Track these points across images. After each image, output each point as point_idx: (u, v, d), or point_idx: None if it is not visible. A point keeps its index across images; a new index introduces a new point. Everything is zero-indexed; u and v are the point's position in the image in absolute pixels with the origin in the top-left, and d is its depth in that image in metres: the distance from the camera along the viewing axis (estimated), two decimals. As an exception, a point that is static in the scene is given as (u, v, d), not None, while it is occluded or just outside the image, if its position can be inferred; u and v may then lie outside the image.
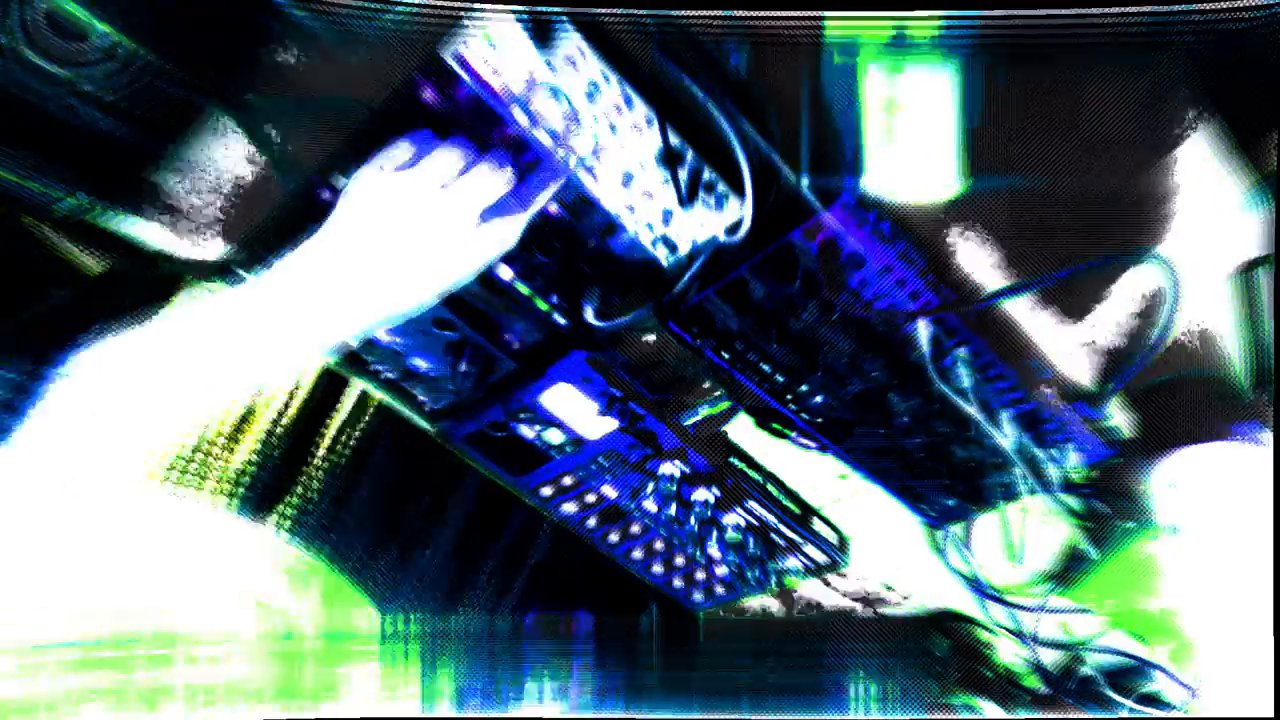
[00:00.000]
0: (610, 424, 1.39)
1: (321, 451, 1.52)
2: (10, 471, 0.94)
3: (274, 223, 1.17)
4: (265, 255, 1.19)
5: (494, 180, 1.02)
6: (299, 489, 1.50)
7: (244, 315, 1.00)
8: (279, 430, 1.47)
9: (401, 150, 1.01)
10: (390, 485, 1.59)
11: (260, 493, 1.46)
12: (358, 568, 1.56)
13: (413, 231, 1.01)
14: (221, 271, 1.22)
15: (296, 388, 1.50)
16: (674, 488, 1.46)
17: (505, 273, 1.22)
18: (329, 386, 1.52)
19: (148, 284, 1.23)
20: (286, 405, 1.48)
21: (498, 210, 1.03)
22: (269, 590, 1.49)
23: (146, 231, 1.22)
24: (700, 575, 1.65)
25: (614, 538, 1.59)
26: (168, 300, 1.22)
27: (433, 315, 1.26)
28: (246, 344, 1.00)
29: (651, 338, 1.35)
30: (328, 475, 1.53)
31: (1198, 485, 1.44)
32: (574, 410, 1.37)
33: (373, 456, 1.56)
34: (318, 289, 1.00)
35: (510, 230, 1.05)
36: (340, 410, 1.54)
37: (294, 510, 1.50)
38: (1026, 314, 1.31)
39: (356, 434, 1.55)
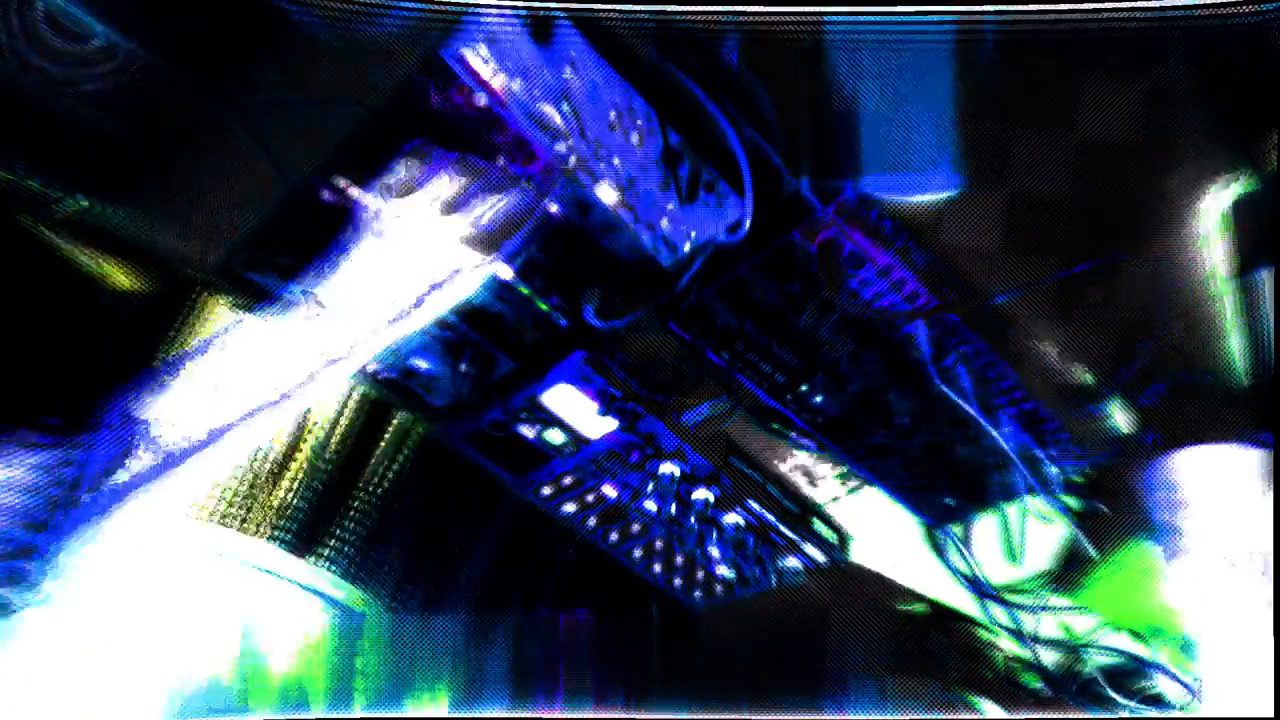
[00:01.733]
0: (610, 424, 1.39)
1: (361, 482, 1.54)
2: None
3: (274, 223, 1.17)
4: (267, 256, 1.20)
5: (498, 189, 1.02)
6: (339, 519, 1.52)
7: (281, 347, 1.00)
8: (320, 464, 1.49)
9: (405, 170, 1.01)
10: (423, 504, 1.61)
11: (301, 526, 1.47)
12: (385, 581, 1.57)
13: (427, 252, 1.00)
14: (223, 273, 1.22)
15: (337, 420, 1.51)
16: (674, 488, 1.46)
17: (505, 273, 1.22)
18: (367, 419, 1.54)
19: (162, 303, 1.24)
20: (327, 438, 1.50)
21: (503, 217, 1.03)
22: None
23: (146, 233, 1.22)
24: (700, 575, 1.65)
25: (614, 537, 1.59)
26: (184, 316, 1.23)
27: (433, 315, 1.26)
28: (287, 376, 1.00)
29: (651, 338, 1.34)
30: (367, 501, 1.54)
31: (1198, 486, 1.44)
32: (574, 410, 1.37)
33: (410, 484, 1.58)
34: (347, 318, 1.00)
35: (516, 235, 1.05)
36: (380, 442, 1.55)
37: (334, 540, 1.51)
38: (1026, 314, 1.30)
39: (395, 465, 1.57)
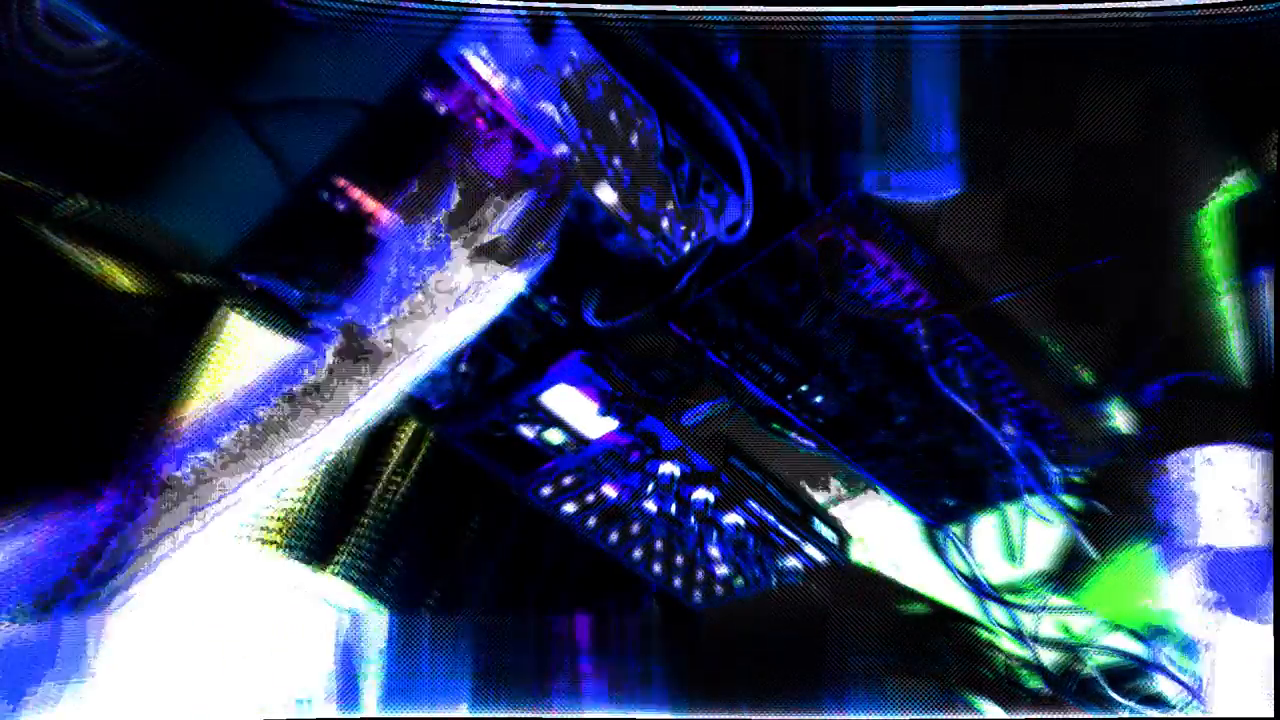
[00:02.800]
0: (610, 424, 1.39)
1: (375, 493, 1.53)
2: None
3: (275, 224, 1.17)
4: (267, 257, 1.20)
5: (508, 197, 1.01)
6: (355, 531, 1.52)
7: (314, 379, 1.00)
8: (331, 473, 1.48)
9: (419, 195, 1.01)
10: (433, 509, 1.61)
11: (318, 539, 1.47)
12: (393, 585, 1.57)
13: (457, 281, 1.00)
14: (222, 273, 1.22)
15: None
16: (674, 488, 1.46)
17: (515, 275, 1.22)
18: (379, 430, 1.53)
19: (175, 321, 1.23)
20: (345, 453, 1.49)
21: (521, 229, 1.03)
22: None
23: (146, 234, 1.22)
24: (700, 575, 1.65)
25: (614, 538, 1.59)
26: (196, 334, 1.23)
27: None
28: (324, 410, 0.99)
29: (651, 338, 1.35)
30: (381, 514, 1.53)
31: (1198, 486, 1.44)
32: (574, 410, 1.37)
33: (421, 490, 1.58)
34: (388, 350, 1.00)
35: (538, 246, 1.05)
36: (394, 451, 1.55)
37: (349, 553, 1.51)
38: (1027, 314, 1.30)
39: (406, 471, 1.56)
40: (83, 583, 0.92)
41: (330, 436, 1.00)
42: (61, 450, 1.01)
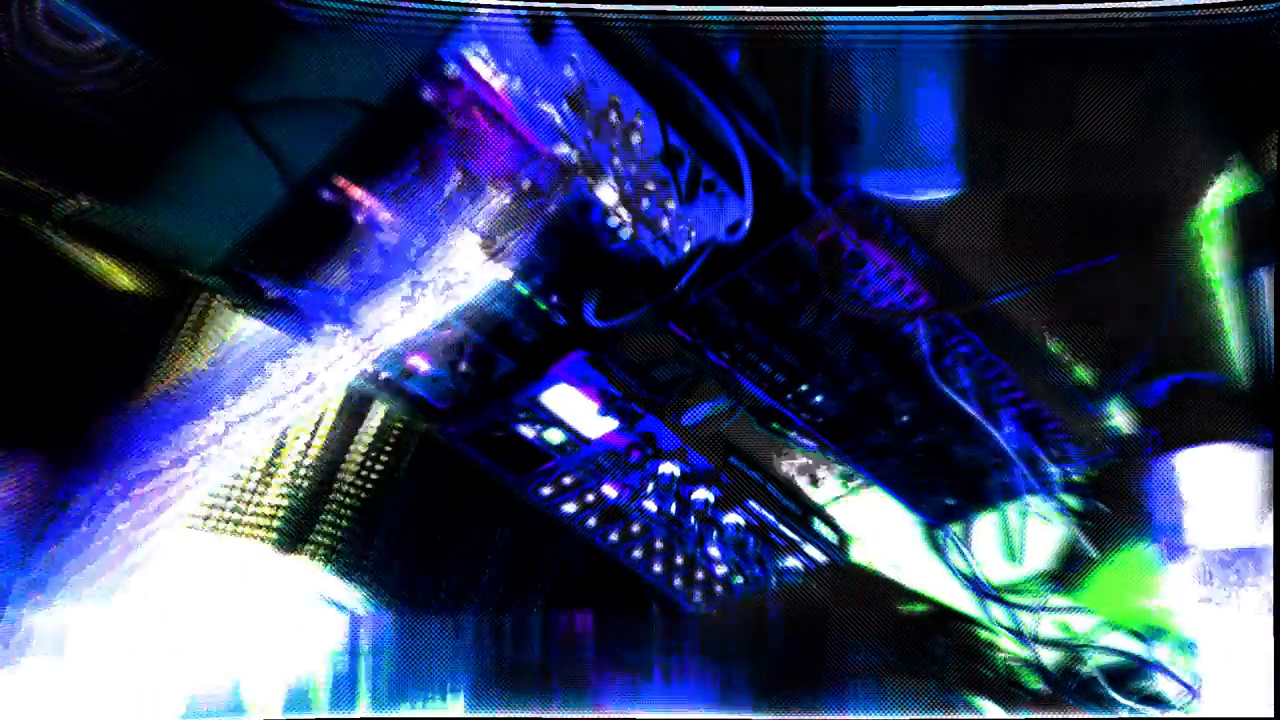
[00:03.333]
0: (610, 424, 1.39)
1: (350, 478, 1.53)
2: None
3: (274, 224, 1.17)
4: (267, 257, 1.20)
5: (500, 191, 1.02)
6: (330, 518, 1.52)
7: (282, 353, 1.01)
8: (313, 464, 1.49)
9: (408, 174, 1.01)
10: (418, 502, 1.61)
11: (294, 525, 1.47)
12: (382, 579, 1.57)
13: (431, 256, 1.01)
14: (223, 272, 1.22)
15: (331, 421, 1.51)
16: (674, 488, 1.46)
17: (505, 273, 1.22)
18: (351, 415, 1.54)
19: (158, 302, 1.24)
20: (313, 436, 1.50)
21: (508, 220, 1.03)
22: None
23: (146, 233, 1.22)
24: (700, 575, 1.65)
25: (614, 537, 1.59)
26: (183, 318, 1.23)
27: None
28: (287, 381, 1.00)
29: (651, 338, 1.34)
30: (357, 499, 1.54)
31: (1198, 486, 1.44)
32: (574, 410, 1.37)
33: (401, 479, 1.58)
34: (359, 322, 1.01)
35: (524, 239, 1.05)
36: (365, 436, 1.55)
37: (326, 539, 1.51)
38: (1027, 314, 1.30)
39: (383, 458, 1.56)
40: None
41: (291, 410, 1.01)
42: (52, 437, 1.01)
